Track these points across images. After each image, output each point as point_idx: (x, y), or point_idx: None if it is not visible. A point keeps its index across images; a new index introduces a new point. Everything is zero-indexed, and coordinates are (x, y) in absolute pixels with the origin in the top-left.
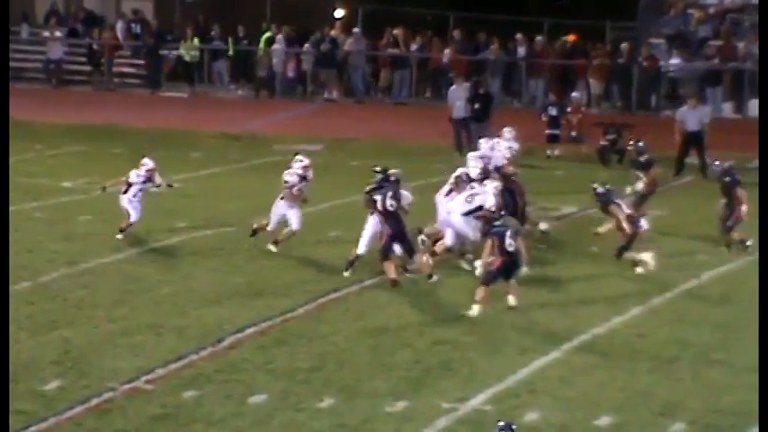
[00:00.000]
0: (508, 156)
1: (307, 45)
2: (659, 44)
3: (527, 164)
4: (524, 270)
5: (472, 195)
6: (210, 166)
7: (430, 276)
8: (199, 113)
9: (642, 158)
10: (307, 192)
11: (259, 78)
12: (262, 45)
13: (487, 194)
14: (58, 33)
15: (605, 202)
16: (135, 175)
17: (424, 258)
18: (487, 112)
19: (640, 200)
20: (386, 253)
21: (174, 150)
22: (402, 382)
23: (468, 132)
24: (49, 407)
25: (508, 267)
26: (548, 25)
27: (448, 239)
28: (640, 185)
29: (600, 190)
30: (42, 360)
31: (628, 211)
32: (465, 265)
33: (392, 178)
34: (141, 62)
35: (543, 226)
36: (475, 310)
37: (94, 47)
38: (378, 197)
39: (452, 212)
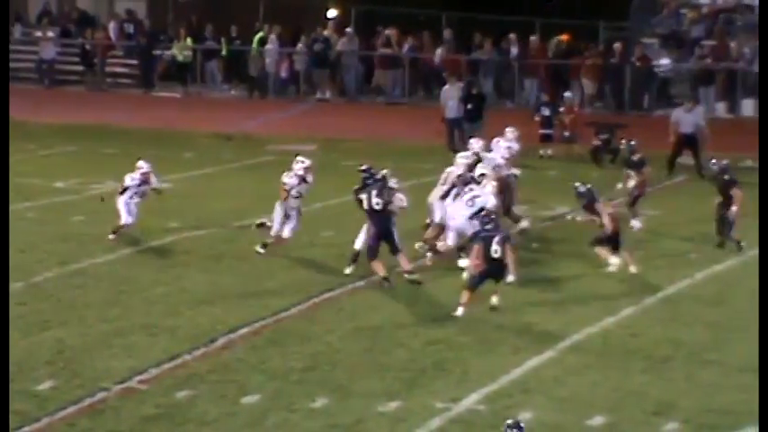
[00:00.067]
0: (507, 156)
1: (300, 45)
2: (652, 44)
3: (520, 164)
4: (511, 279)
5: (473, 198)
6: (203, 166)
7: (411, 274)
8: (192, 113)
9: (635, 157)
10: (306, 193)
11: (252, 78)
12: (255, 45)
13: (488, 196)
14: (50, 33)
15: (589, 200)
16: (130, 179)
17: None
18: (480, 113)
19: (633, 200)
20: (372, 252)
21: (167, 150)
22: (395, 382)
23: (461, 132)
24: (41, 407)
25: (493, 273)
26: (540, 25)
27: (450, 240)
28: (631, 183)
29: (581, 189)
30: (35, 360)
31: (610, 210)
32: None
33: (377, 176)
34: (134, 62)
35: (523, 224)
36: (460, 311)
37: (87, 47)
38: (363, 196)
39: (455, 218)
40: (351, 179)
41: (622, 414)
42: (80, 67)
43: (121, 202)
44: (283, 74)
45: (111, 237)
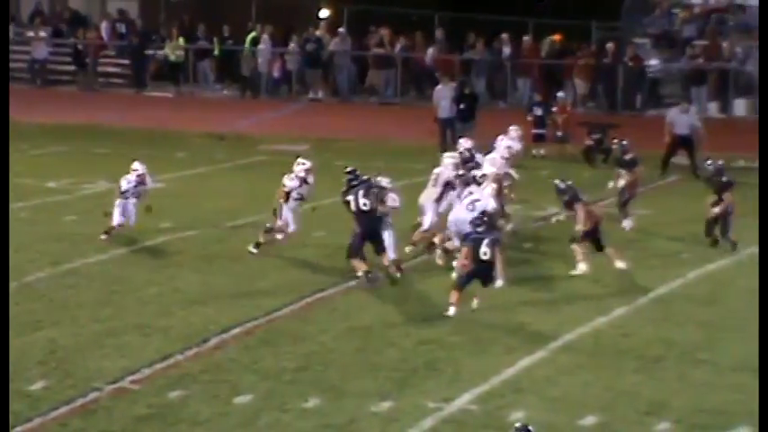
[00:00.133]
0: (506, 155)
1: (292, 45)
2: (644, 44)
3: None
4: (499, 283)
5: (473, 202)
6: (196, 166)
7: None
8: (184, 113)
9: (627, 157)
10: (307, 195)
11: (244, 78)
12: (247, 45)
13: (487, 199)
14: (42, 33)
15: (571, 197)
16: (126, 182)
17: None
18: (473, 113)
19: (625, 202)
20: (355, 250)
21: (160, 150)
22: (388, 381)
23: (453, 132)
24: (34, 407)
25: (480, 274)
26: (533, 25)
27: (456, 240)
28: (622, 182)
29: (561, 186)
30: (28, 360)
31: (589, 208)
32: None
33: (363, 177)
34: (126, 62)
35: (509, 226)
36: (451, 311)
37: (79, 47)
38: (350, 198)
39: (457, 222)
40: (343, 179)
41: (614, 414)
42: (72, 67)
43: (117, 203)
44: (276, 74)
45: (103, 237)
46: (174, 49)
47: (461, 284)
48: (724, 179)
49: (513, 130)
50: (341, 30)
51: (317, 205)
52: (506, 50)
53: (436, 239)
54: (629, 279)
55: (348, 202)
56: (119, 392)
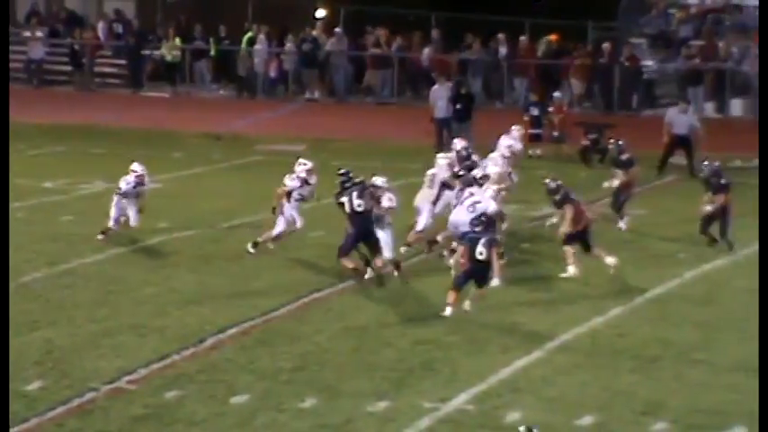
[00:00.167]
0: (507, 155)
1: (288, 45)
2: (640, 44)
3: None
4: (496, 282)
5: (474, 204)
6: (192, 166)
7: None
8: (181, 113)
9: (623, 157)
10: (308, 195)
11: (241, 78)
12: (243, 45)
13: (488, 201)
14: (39, 33)
15: (563, 197)
16: (125, 183)
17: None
18: (469, 113)
19: (621, 203)
20: (346, 250)
21: (156, 150)
22: (384, 381)
23: (449, 132)
24: (30, 407)
25: (476, 274)
26: (529, 25)
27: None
28: (616, 182)
29: (552, 185)
30: (24, 360)
31: (578, 211)
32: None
33: (357, 179)
34: (123, 62)
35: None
36: (448, 311)
37: (76, 47)
38: (344, 199)
39: (458, 224)
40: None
41: (611, 414)
42: (69, 67)
43: (114, 203)
44: (272, 74)
45: (99, 237)
46: (170, 50)
47: (458, 284)
48: (722, 181)
49: (515, 130)
50: (337, 30)
51: (320, 196)
52: (503, 50)
53: (439, 237)
54: (625, 279)
55: (342, 204)
56: (115, 392)
